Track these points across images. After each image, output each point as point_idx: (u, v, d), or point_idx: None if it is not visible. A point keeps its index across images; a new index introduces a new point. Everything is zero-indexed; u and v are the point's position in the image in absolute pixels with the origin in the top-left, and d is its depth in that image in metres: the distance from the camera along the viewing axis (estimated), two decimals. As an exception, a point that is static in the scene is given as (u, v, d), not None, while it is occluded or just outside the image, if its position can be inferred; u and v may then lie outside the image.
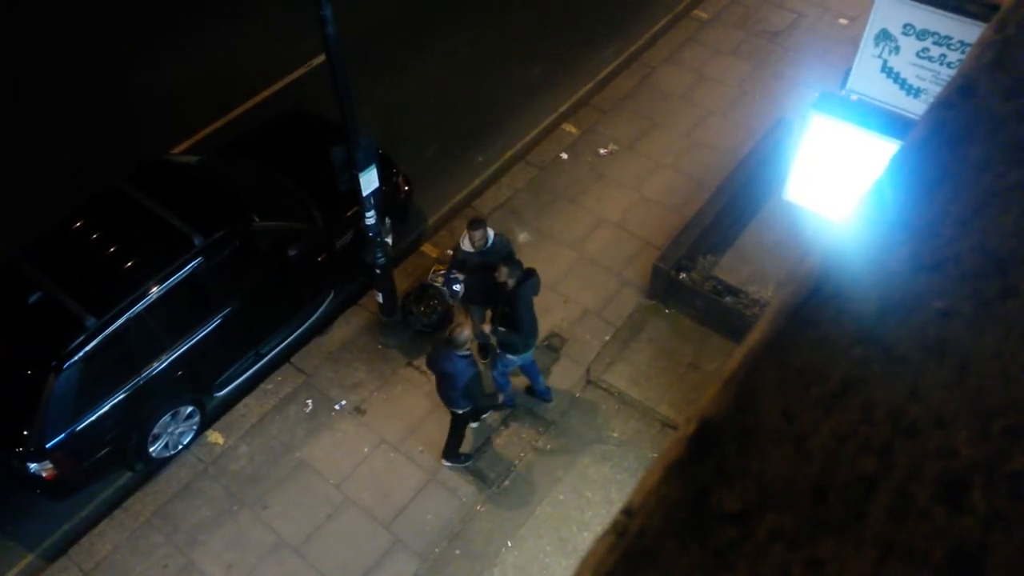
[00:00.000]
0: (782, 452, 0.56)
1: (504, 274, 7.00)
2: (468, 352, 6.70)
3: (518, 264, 7.12)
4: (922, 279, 0.62)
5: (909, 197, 0.66)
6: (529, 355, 7.49)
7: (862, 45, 6.61)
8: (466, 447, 7.65)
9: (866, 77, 6.71)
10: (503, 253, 7.47)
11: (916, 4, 6.06)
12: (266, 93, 10.69)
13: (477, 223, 7.41)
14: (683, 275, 8.52)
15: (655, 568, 0.52)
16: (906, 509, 0.54)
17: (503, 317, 7.13)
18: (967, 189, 0.66)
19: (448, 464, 7.61)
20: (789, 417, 0.58)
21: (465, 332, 6.62)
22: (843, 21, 11.73)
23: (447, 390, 6.95)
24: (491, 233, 7.51)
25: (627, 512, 0.55)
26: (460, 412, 7.18)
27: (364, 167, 7.19)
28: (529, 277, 7.11)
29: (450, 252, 8.90)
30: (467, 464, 7.63)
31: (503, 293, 7.10)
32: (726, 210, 8.88)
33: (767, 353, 0.60)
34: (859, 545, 0.52)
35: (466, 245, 7.42)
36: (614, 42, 11.65)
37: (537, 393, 7.98)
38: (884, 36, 6.41)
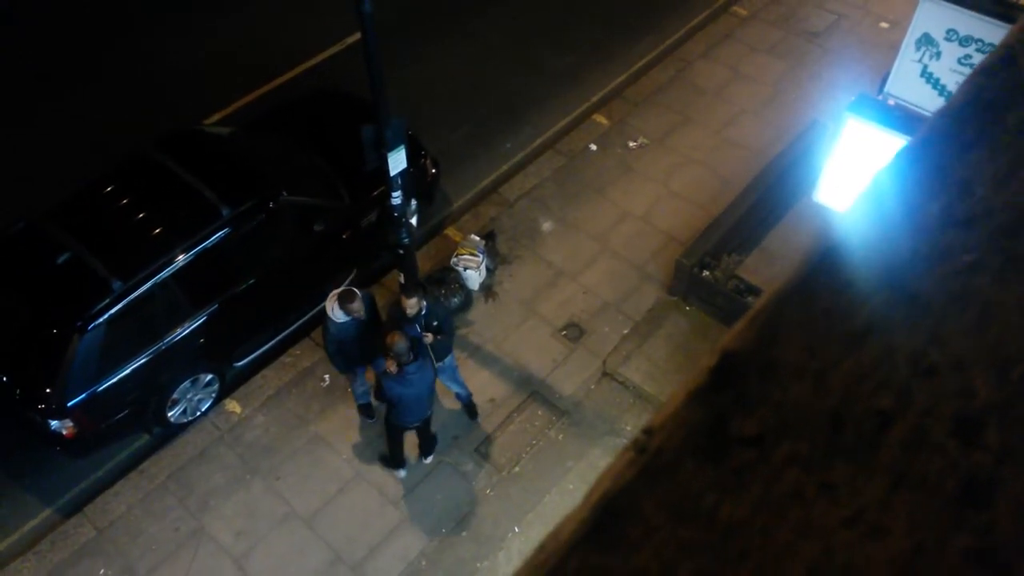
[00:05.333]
0: (802, 385, 0.57)
1: (414, 304, 6.66)
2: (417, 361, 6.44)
3: (416, 287, 6.86)
4: (951, 233, 0.63)
5: (945, 156, 0.67)
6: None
7: (903, 48, 6.53)
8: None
9: (905, 81, 6.63)
10: (371, 313, 7.04)
11: (961, 9, 5.97)
12: (299, 69, 10.76)
13: (350, 294, 6.79)
14: (706, 272, 8.48)
15: (671, 484, 0.53)
16: (921, 442, 0.55)
17: (435, 332, 6.90)
18: (1004, 151, 0.66)
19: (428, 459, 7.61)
20: (811, 353, 0.59)
21: (401, 341, 6.28)
22: (884, 25, 11.57)
23: (427, 400, 6.82)
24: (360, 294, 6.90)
25: (647, 432, 0.57)
26: (429, 413, 7.08)
27: (393, 147, 7.21)
28: (425, 287, 6.98)
29: (475, 237, 8.94)
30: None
31: (423, 318, 6.79)
32: (754, 209, 8.82)
33: (793, 294, 0.61)
34: (873, 473, 0.53)
35: (337, 315, 6.79)
36: (650, 34, 11.58)
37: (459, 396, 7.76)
38: (926, 41, 6.32)
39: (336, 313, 6.77)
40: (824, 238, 0.64)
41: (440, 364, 7.21)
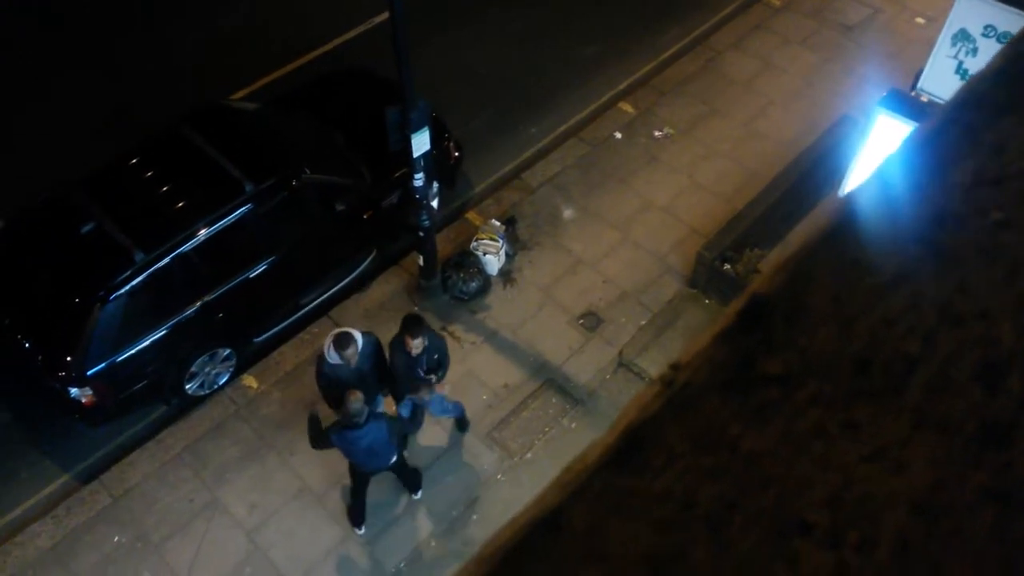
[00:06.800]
0: (829, 330, 0.58)
1: (419, 344, 6.40)
2: (370, 414, 6.09)
3: (415, 322, 6.49)
4: (983, 192, 0.63)
5: (979, 118, 0.67)
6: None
7: (938, 44, 6.43)
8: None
9: (939, 78, 6.53)
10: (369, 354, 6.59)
11: (1000, 5, 5.87)
12: (326, 47, 10.79)
13: (346, 338, 6.28)
14: (727, 266, 8.43)
15: (696, 415, 0.55)
16: (944, 386, 0.56)
17: (435, 368, 6.75)
18: (1037, 115, 0.66)
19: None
20: (839, 300, 0.60)
21: (356, 400, 5.89)
22: (920, 20, 11.39)
23: (381, 452, 6.35)
24: (359, 338, 6.42)
25: (674, 367, 0.58)
26: (395, 460, 6.65)
27: (417, 129, 7.23)
28: (423, 322, 6.65)
29: (496, 222, 8.94)
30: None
31: (420, 357, 6.57)
32: (778, 204, 8.75)
33: (823, 243, 0.62)
34: (896, 414, 0.54)
35: (333, 358, 6.34)
36: (679, 23, 11.48)
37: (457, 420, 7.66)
38: (962, 36, 6.22)
39: (331, 353, 6.31)
40: (856, 193, 0.65)
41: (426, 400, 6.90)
